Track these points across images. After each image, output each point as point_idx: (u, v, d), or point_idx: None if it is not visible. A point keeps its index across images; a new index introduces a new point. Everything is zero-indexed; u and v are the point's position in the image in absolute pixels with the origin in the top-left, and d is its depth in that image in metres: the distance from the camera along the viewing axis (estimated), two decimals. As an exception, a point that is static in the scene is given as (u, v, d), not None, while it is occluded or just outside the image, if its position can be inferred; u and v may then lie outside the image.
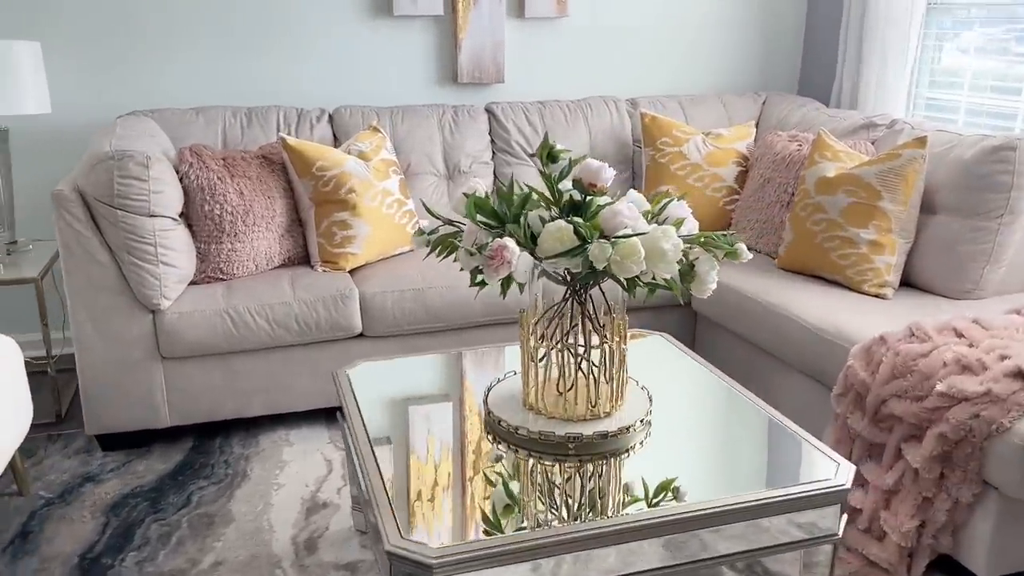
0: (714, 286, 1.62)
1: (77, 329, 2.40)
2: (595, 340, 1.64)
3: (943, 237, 2.51)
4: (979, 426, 1.73)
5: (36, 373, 2.92)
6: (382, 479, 1.51)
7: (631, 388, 1.81)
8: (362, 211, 2.73)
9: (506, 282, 1.53)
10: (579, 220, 1.47)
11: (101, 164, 2.30)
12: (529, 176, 3.26)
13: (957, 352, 1.87)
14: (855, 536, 1.95)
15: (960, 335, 2.01)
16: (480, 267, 1.44)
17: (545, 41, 3.50)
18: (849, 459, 2.01)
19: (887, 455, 1.91)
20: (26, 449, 2.51)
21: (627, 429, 1.63)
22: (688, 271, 1.61)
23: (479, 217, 1.47)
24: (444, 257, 1.52)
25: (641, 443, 1.65)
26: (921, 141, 2.51)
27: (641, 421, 1.68)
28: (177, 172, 2.57)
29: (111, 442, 2.55)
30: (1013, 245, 2.45)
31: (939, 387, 1.81)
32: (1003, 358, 1.83)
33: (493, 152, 3.28)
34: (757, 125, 3.48)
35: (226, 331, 2.47)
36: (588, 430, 1.61)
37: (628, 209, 1.56)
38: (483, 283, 1.48)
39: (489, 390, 1.78)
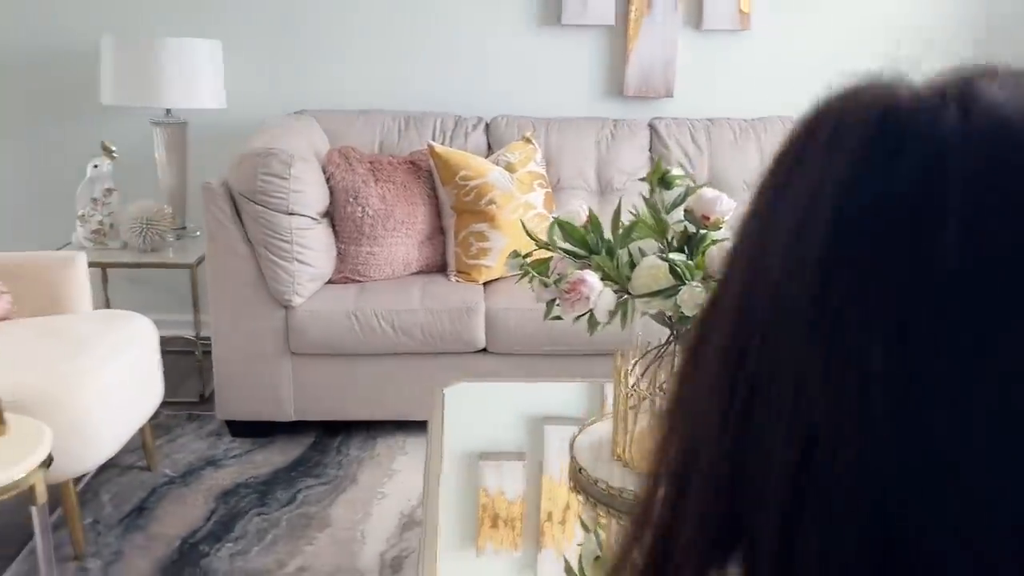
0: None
1: (215, 317, 2.49)
2: None
3: None
4: None
5: (187, 354, 3.07)
6: (437, 513, 1.40)
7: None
8: (501, 223, 2.65)
9: (592, 319, 1.38)
10: (678, 257, 1.29)
11: (247, 160, 2.38)
12: (688, 198, 3.04)
13: None
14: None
15: None
16: (557, 300, 1.30)
17: (722, 55, 3.26)
18: None
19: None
20: (163, 426, 2.64)
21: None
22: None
23: (564, 244, 1.33)
24: (527, 281, 1.38)
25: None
26: None
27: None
28: (324, 172, 2.62)
29: (240, 429, 2.62)
30: None
31: None
32: None
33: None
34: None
35: (352, 333, 2.47)
36: None
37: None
38: (558, 317, 1.33)
39: (579, 431, 1.62)
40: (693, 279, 1.28)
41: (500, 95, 3.23)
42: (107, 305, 3.00)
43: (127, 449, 2.44)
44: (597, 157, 3.06)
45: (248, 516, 2.18)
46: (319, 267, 2.50)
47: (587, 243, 1.33)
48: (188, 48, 2.84)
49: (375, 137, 2.99)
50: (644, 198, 1.42)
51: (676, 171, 1.48)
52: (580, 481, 1.51)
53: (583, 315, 1.28)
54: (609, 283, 1.32)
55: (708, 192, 1.40)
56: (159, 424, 2.63)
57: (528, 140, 2.94)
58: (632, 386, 1.47)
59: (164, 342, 2.43)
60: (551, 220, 1.38)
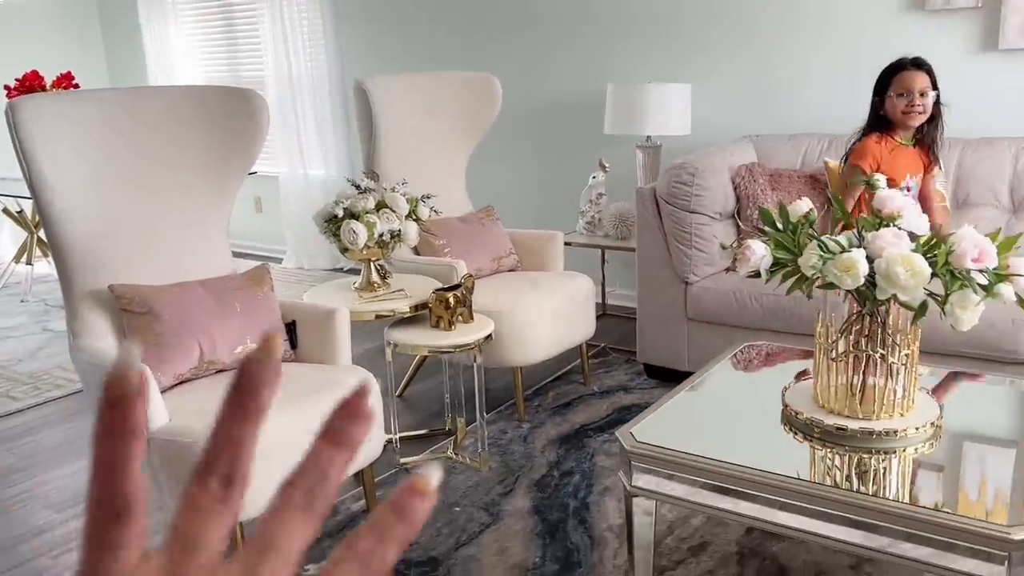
0: (967, 323, 1.68)
1: (640, 286, 3.43)
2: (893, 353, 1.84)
3: None
4: None
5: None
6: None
7: (922, 398, 1.92)
8: (876, 231, 3.03)
9: (796, 284, 1.92)
10: (838, 240, 1.79)
11: (667, 172, 3.26)
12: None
13: None
14: None
15: None
16: (736, 257, 1.89)
17: None
18: None
19: None
20: (607, 361, 3.69)
21: (905, 431, 1.81)
22: (944, 301, 1.71)
23: (762, 226, 1.92)
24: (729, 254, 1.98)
25: (926, 445, 1.81)
26: None
27: (931, 424, 1.84)
28: (732, 183, 3.35)
29: (652, 371, 3.52)
30: None
31: None
32: None
33: (1077, 189, 3.05)
34: None
35: (730, 307, 3.17)
36: (877, 427, 1.85)
37: (894, 235, 1.77)
38: (733, 269, 1.91)
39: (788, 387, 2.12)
40: (801, 252, 1.76)
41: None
42: (603, 276, 4.21)
43: (575, 370, 3.57)
44: (1012, 174, 3.14)
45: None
46: (712, 254, 3.25)
47: (774, 223, 1.90)
48: (664, 90, 3.83)
49: (799, 156, 3.58)
50: (834, 198, 1.91)
51: (880, 179, 1.92)
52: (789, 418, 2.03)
53: (754, 272, 1.87)
54: (784, 254, 1.87)
55: (884, 192, 1.83)
56: (605, 360, 3.70)
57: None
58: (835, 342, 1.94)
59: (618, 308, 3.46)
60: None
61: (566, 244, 3.77)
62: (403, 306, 2.68)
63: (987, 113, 3.36)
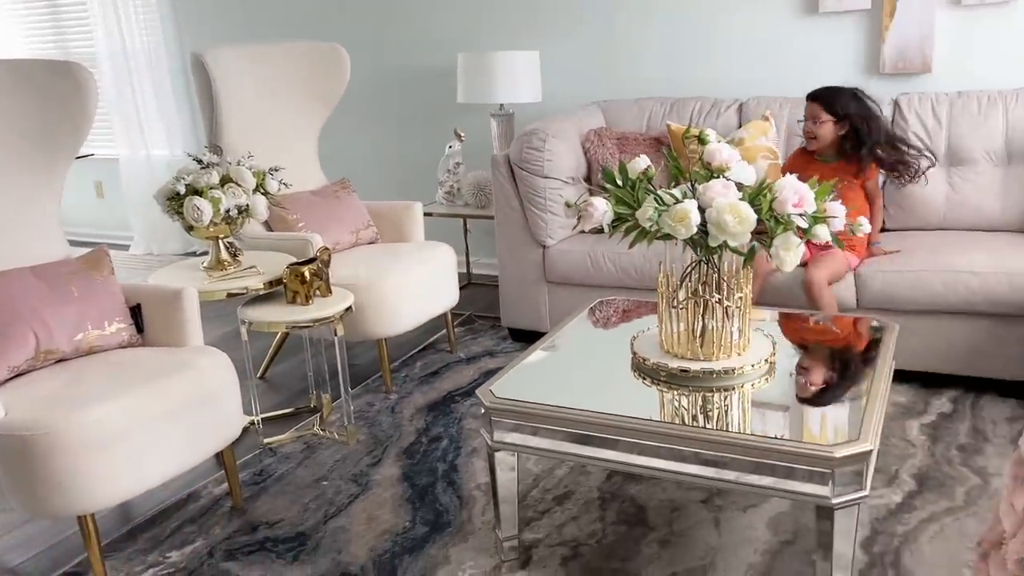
0: (790, 264, 1.82)
1: (500, 253, 3.48)
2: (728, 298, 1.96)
3: None
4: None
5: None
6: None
7: (758, 337, 2.07)
8: (716, 187, 3.20)
9: (638, 237, 2.01)
10: (671, 192, 1.88)
11: (519, 139, 3.31)
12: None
13: None
14: (994, 559, 1.83)
15: None
16: (580, 215, 1.96)
17: (984, 29, 3.30)
18: None
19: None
20: (474, 329, 3.73)
21: (742, 369, 1.93)
22: (769, 244, 1.84)
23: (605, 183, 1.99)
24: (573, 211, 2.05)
25: (761, 380, 1.94)
26: None
27: (765, 361, 1.97)
28: (583, 148, 3.44)
29: (517, 335, 3.59)
30: None
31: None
32: None
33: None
34: None
35: (585, 268, 3.27)
36: (717, 367, 1.95)
37: (723, 185, 1.88)
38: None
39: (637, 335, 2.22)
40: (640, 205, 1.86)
41: (759, 79, 3.71)
42: (466, 245, 4.24)
43: (442, 339, 3.59)
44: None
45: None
46: (567, 218, 3.33)
47: (614, 180, 1.98)
48: (513, 58, 3.86)
49: (644, 121, 3.71)
50: (665, 153, 2.01)
51: (710, 133, 2.03)
52: (638, 364, 2.13)
53: (598, 227, 1.94)
54: (625, 209, 1.95)
55: (713, 146, 1.94)
56: (471, 328, 3.74)
57: (766, 118, 3.40)
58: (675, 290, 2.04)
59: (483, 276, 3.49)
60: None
61: (426, 215, 3.77)
62: (256, 283, 2.62)
63: (809, 73, 3.58)
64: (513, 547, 2.06)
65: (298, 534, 2.23)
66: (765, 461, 1.69)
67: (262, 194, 2.66)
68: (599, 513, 2.25)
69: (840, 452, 1.61)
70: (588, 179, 3.49)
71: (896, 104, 3.31)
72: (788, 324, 2.37)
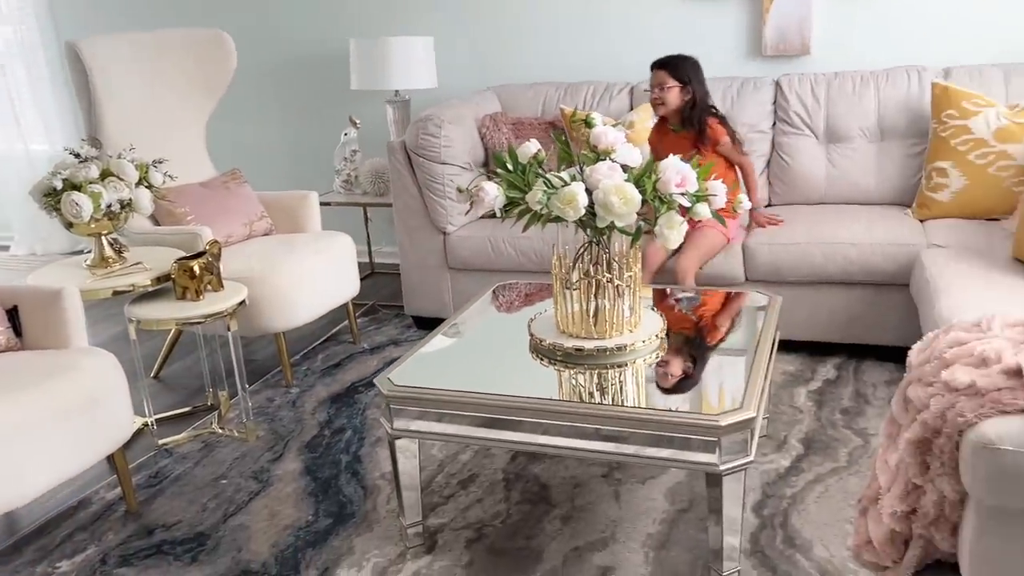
0: (674, 241, 1.88)
1: (400, 241, 3.46)
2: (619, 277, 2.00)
3: None
4: (952, 418, 1.64)
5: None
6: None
7: (649, 314, 2.13)
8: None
9: (531, 220, 2.03)
10: (559, 176, 1.91)
11: (414, 124, 3.29)
12: (806, 146, 3.35)
13: (992, 346, 1.73)
14: (872, 514, 1.94)
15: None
16: (472, 200, 1.97)
17: (858, 11, 3.46)
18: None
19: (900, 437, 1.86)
20: (378, 319, 3.70)
21: (634, 345, 1.98)
22: (654, 223, 1.90)
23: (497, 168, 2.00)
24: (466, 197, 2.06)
25: (653, 355, 1.99)
26: None
27: (656, 336, 2.02)
28: (479, 133, 3.44)
29: (421, 323, 3.58)
30: None
31: (943, 375, 1.73)
32: (1030, 358, 1.65)
33: (774, 122, 3.44)
34: (1113, 96, 2.96)
35: (486, 253, 3.28)
36: (610, 344, 1.99)
37: (609, 167, 1.92)
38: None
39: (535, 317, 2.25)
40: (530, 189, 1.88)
41: (648, 63, 3.76)
42: (367, 234, 4.20)
43: (344, 330, 3.54)
44: (724, 112, 3.47)
45: (397, 374, 3.12)
46: (462, 204, 3.33)
47: (504, 165, 1.99)
48: (407, 43, 3.82)
49: (539, 105, 3.74)
50: (554, 137, 2.03)
51: (596, 117, 2.06)
52: (535, 345, 2.15)
53: (491, 212, 1.96)
54: (516, 193, 1.97)
55: (599, 129, 1.97)
56: (375, 318, 3.71)
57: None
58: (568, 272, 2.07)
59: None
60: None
61: (324, 204, 3.71)
62: (143, 279, 2.52)
63: (696, 56, 3.68)
64: (418, 533, 2.06)
65: (197, 535, 2.17)
66: (656, 433, 1.74)
67: (146, 187, 2.56)
68: (504, 494, 2.27)
69: (725, 420, 1.68)
70: (486, 164, 3.50)
71: (777, 85, 3.44)
72: (679, 297, 2.44)
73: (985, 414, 1.59)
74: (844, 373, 2.88)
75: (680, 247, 2.14)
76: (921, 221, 3.02)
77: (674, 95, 2.99)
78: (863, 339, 2.94)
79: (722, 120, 3.03)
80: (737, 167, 3.07)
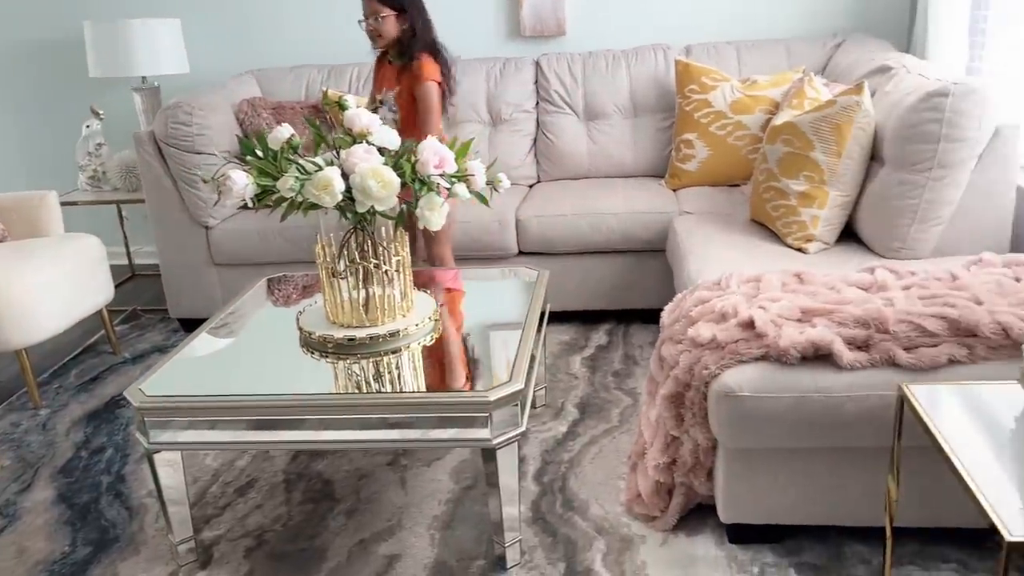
0: (436, 223, 1.87)
1: (158, 238, 3.21)
2: (389, 262, 1.96)
3: (878, 191, 2.33)
4: (698, 371, 1.77)
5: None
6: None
7: (421, 297, 2.12)
8: (379, 153, 3.21)
9: (288, 209, 1.93)
10: (314, 161, 1.83)
11: (162, 112, 3.06)
12: (568, 123, 3.47)
13: (729, 302, 1.88)
14: (640, 468, 2.06)
15: (784, 287, 1.98)
16: (220, 190, 1.86)
17: (606, -8, 3.62)
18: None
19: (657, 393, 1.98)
20: (140, 324, 3.42)
21: (407, 330, 1.95)
22: (415, 206, 1.88)
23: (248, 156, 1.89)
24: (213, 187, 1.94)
25: (427, 338, 1.96)
26: (858, 88, 2.35)
27: (429, 319, 2.01)
28: (237, 119, 3.26)
29: (190, 326, 3.36)
30: (947, 203, 2.22)
31: (690, 332, 1.86)
32: (761, 309, 1.82)
33: (537, 101, 3.54)
34: (824, 71, 3.30)
35: (255, 246, 3.12)
36: (382, 331, 1.94)
37: (365, 150, 1.87)
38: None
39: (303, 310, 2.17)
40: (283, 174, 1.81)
41: (412, 44, 3.75)
42: (123, 234, 3.85)
43: (102, 340, 3.25)
44: (487, 92, 3.53)
45: (164, 382, 2.91)
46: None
47: (253, 151, 1.89)
48: (150, 26, 3.54)
49: (303, 89, 3.60)
50: (308, 121, 1.96)
51: (348, 99, 2.00)
52: (304, 339, 2.06)
53: (241, 203, 1.85)
54: (268, 181, 1.87)
55: (351, 112, 1.91)
56: (137, 324, 3.43)
57: (421, 82, 3.46)
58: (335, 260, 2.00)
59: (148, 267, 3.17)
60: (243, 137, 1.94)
61: (67, 204, 3.38)
62: None
63: (459, 35, 3.71)
64: (191, 549, 1.93)
65: (-75, 589, 1.91)
66: (431, 415, 1.73)
67: None
68: (284, 496, 2.18)
69: (495, 395, 1.70)
70: (248, 153, 3.32)
71: (537, 64, 3.54)
72: (449, 278, 2.45)
73: (726, 365, 1.73)
74: (614, 338, 3.03)
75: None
76: (674, 191, 3.24)
77: (390, 25, 2.66)
78: (629, 304, 3.11)
79: (443, 62, 2.73)
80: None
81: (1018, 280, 1.89)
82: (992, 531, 1.15)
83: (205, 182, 1.86)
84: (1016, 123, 2.22)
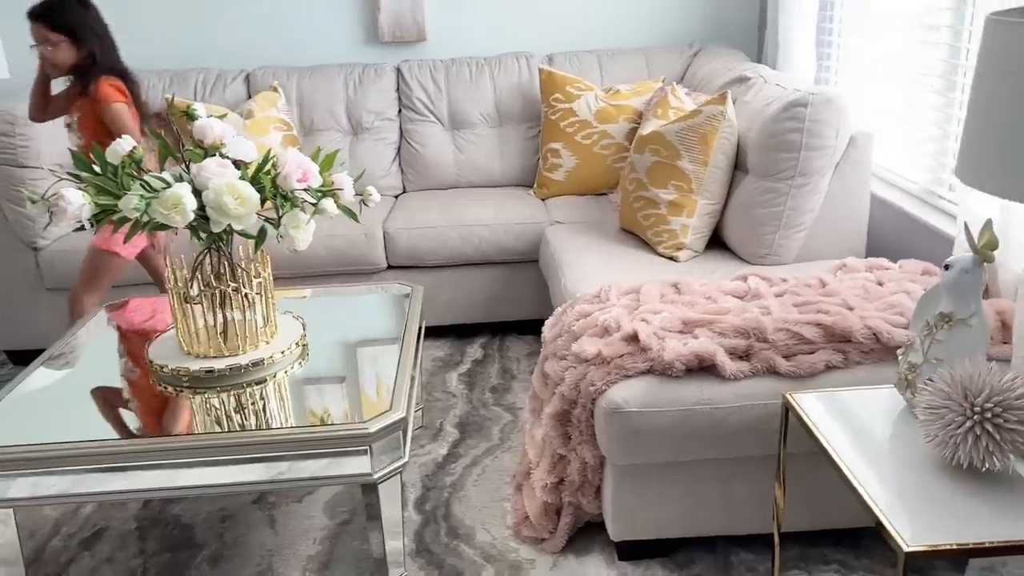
0: (303, 243, 1.74)
1: (-22, 261, 2.87)
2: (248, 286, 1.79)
3: (743, 200, 2.38)
4: (584, 387, 1.72)
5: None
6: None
7: (286, 321, 1.97)
8: (233, 165, 3.00)
9: (133, 230, 1.74)
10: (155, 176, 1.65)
11: (-22, 122, 2.73)
12: (433, 132, 3.38)
13: (611, 315, 1.85)
14: (526, 489, 1.99)
15: (661, 298, 1.96)
16: (51, 211, 1.65)
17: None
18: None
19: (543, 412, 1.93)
20: (-47, 359, 3.05)
21: (272, 358, 1.80)
22: (277, 224, 1.74)
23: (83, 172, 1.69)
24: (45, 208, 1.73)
25: (295, 365, 1.80)
26: (722, 98, 2.39)
27: (296, 345, 1.86)
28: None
29: (20, 358, 3.02)
30: (809, 210, 2.29)
31: (573, 347, 1.81)
32: (643, 322, 1.79)
33: (400, 109, 3.42)
34: (683, 79, 3.37)
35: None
36: (244, 360, 1.78)
37: (219, 164, 1.71)
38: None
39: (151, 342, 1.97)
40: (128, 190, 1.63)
41: (265, 49, 3.56)
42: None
43: (-88, 379, 2.85)
44: (346, 99, 3.38)
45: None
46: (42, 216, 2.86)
47: (88, 167, 1.69)
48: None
49: (142, 95, 3.32)
50: (153, 132, 1.77)
51: (198, 108, 1.83)
52: (163, 377, 1.86)
53: (79, 225, 1.64)
54: (109, 199, 1.68)
55: (202, 122, 1.74)
56: (-46, 358, 3.04)
57: (275, 89, 3.28)
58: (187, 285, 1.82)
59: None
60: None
61: None
62: None
63: (315, 41, 3.54)
64: (27, 619, 1.70)
65: None
66: (303, 452, 1.59)
67: None
68: (138, 546, 1.97)
69: (374, 426, 1.58)
70: (83, 165, 3.03)
71: (399, 71, 3.43)
72: (317, 301, 2.30)
73: (612, 380, 1.69)
74: (490, 351, 2.97)
75: None
76: (543, 200, 3.21)
77: (65, 52, 2.38)
78: (504, 316, 3.05)
79: (129, 83, 2.49)
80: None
81: (880, 284, 1.96)
82: (884, 538, 1.15)
83: (33, 202, 1.63)
84: (869, 131, 2.32)
